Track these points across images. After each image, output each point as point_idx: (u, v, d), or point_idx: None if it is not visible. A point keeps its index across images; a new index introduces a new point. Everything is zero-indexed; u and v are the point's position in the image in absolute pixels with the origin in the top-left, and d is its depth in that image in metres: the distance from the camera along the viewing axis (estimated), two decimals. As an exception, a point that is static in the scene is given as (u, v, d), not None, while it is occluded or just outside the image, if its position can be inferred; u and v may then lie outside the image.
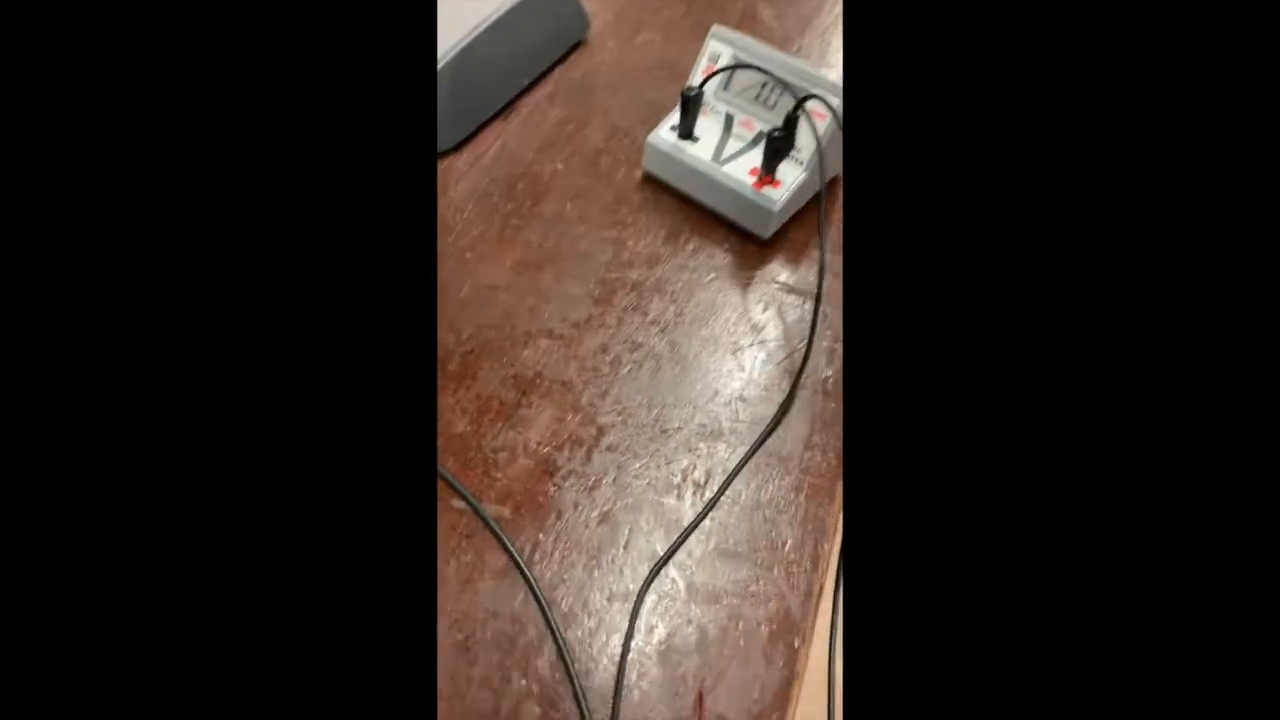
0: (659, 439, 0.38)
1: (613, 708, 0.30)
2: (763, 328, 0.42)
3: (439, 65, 0.48)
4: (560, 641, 0.31)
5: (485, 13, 0.51)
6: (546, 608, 0.32)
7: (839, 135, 0.43)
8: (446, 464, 0.36)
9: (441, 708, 0.30)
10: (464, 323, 0.42)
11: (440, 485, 0.35)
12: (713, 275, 0.44)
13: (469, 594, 0.32)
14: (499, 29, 0.51)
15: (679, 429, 0.38)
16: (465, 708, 0.30)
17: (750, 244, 0.46)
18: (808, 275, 0.44)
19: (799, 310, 0.43)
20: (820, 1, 0.65)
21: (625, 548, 0.34)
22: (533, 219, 0.47)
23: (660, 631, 0.32)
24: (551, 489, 0.36)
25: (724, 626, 0.32)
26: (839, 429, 0.38)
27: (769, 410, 0.39)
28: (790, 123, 0.43)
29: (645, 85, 0.56)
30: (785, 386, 0.40)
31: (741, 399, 0.39)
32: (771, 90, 0.45)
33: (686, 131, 0.47)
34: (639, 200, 0.48)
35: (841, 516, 0.36)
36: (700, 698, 0.30)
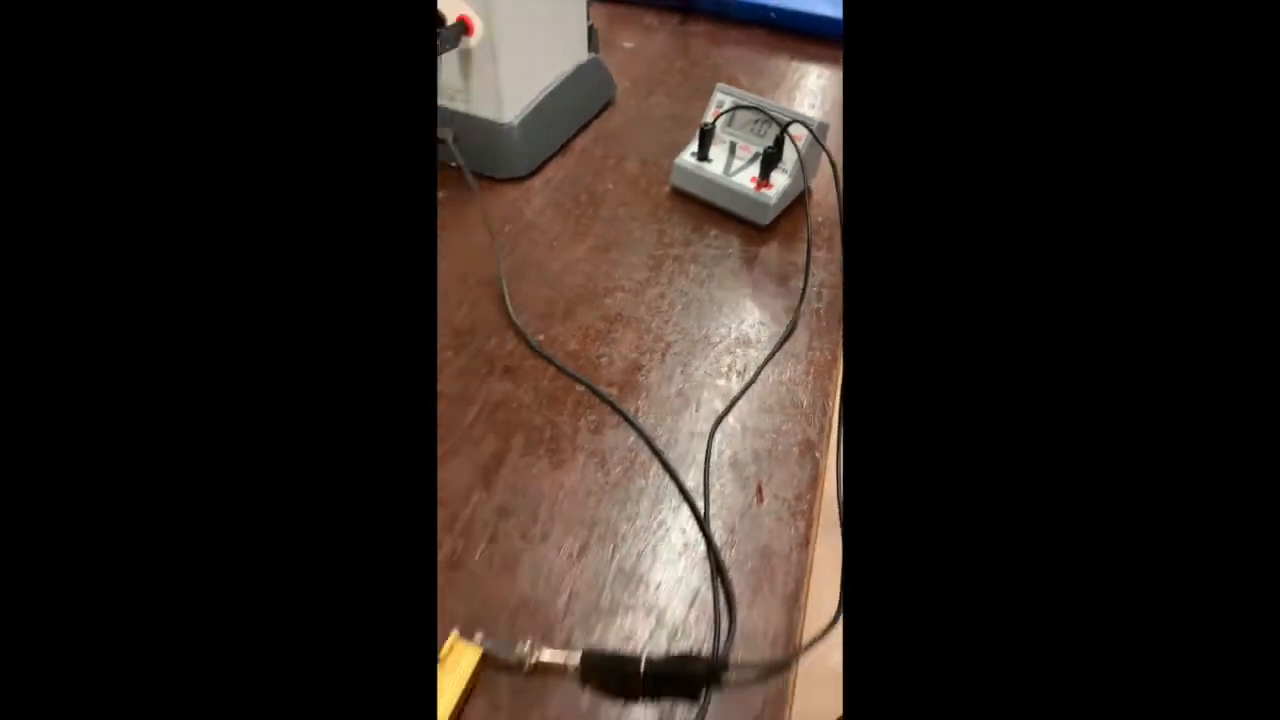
0: (708, 348, 0.54)
1: (704, 491, 0.45)
2: (770, 281, 0.60)
3: (518, 119, 0.67)
4: (664, 458, 0.47)
5: (547, 81, 0.70)
6: (651, 441, 0.48)
7: (815, 149, 0.62)
8: (567, 365, 0.52)
9: (589, 502, 0.45)
10: (561, 285, 0.58)
11: (564, 377, 0.51)
12: (730, 250, 0.62)
13: (597, 439, 0.48)
14: (557, 92, 0.70)
15: (721, 341, 0.55)
16: (609, 499, 0.45)
17: (754, 230, 0.64)
18: (799, 247, 0.63)
19: (794, 269, 0.61)
20: (784, 71, 0.86)
21: (696, 409, 0.50)
22: (596, 220, 0.65)
23: (728, 453, 0.48)
24: (640, 378, 0.52)
25: (769, 449, 0.48)
26: (832, 338, 0.55)
27: (780, 329, 0.56)
28: (779, 143, 0.62)
29: (661, 131, 0.75)
30: (790, 315, 0.57)
31: (761, 323, 0.56)
32: (762, 123, 0.65)
33: (703, 155, 0.65)
34: (670, 205, 0.66)
35: (840, 382, 0.53)
36: (759, 487, 0.46)
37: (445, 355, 0.53)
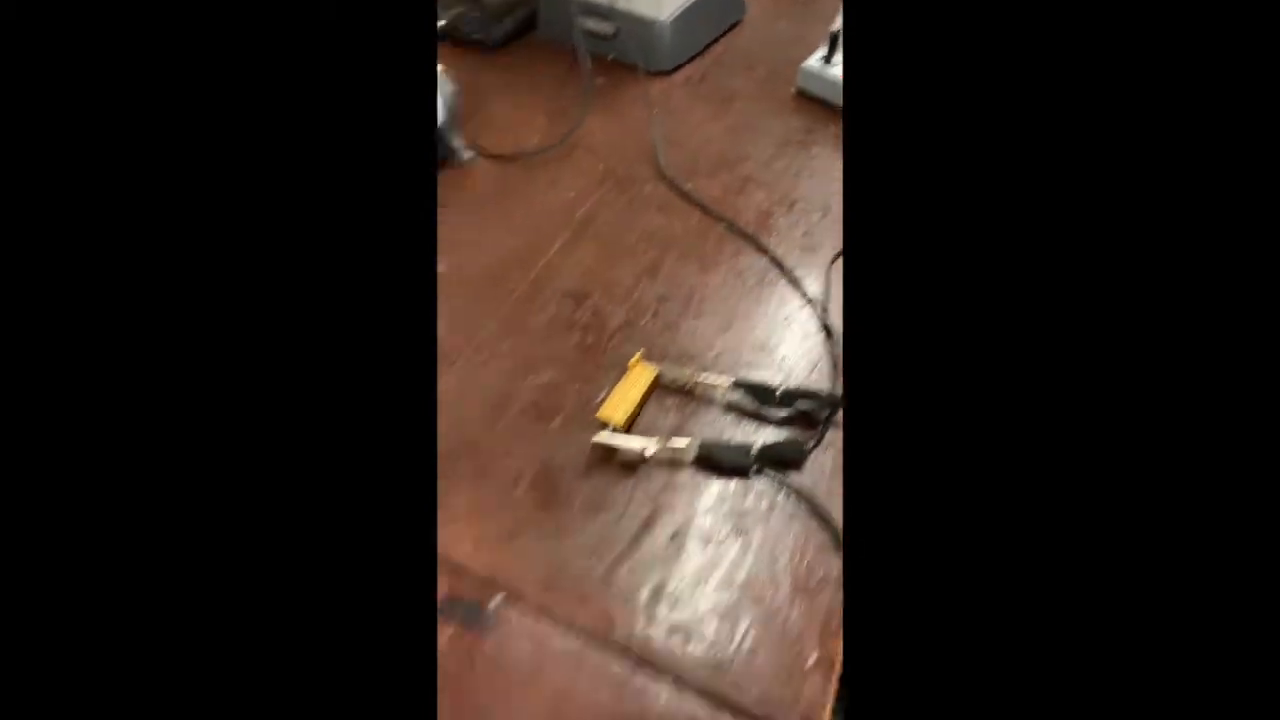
0: (828, 210, 0.64)
1: (823, 299, 0.56)
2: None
3: (670, 19, 0.77)
4: (791, 274, 0.57)
5: (694, -7, 0.81)
6: (779, 261, 0.58)
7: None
8: (711, 208, 0.63)
9: (731, 297, 0.56)
10: (700, 153, 0.69)
11: (708, 218, 0.62)
12: (847, 140, 0.72)
13: (736, 260, 0.59)
14: (699, 3, 0.81)
15: (840, 208, 0.65)
16: (749, 298, 0.56)
17: (868, 127, 0.74)
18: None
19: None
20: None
21: (816, 251, 0.60)
22: (729, 111, 0.75)
23: (840, 285, 0.58)
24: (770, 223, 0.62)
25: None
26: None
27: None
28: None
29: (784, 47, 0.85)
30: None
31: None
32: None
33: (829, 59, 0.75)
34: (795, 105, 0.76)
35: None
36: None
37: (607, 198, 0.64)
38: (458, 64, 0.75)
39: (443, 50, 0.67)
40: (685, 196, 0.64)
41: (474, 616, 0.39)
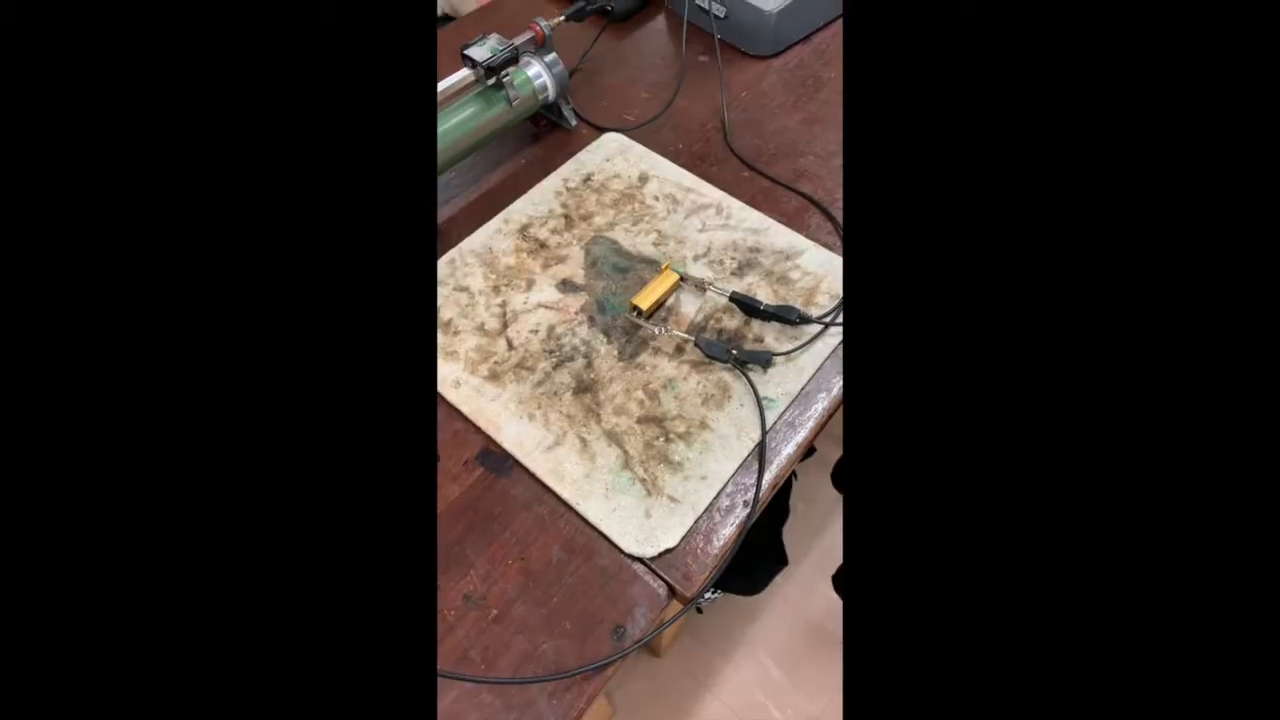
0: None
1: (822, 294, 0.68)
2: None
3: (776, 10, 0.86)
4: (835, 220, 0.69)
5: (808, -18, 0.88)
6: (831, 215, 0.70)
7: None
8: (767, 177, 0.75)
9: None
10: (769, 140, 0.80)
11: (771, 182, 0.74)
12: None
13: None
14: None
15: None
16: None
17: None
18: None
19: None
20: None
21: (837, 244, 0.71)
22: (813, 100, 0.84)
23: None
24: (808, 210, 0.74)
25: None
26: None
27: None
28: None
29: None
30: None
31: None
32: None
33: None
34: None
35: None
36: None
37: (683, 169, 0.77)
38: (585, 35, 0.89)
39: (572, 24, 0.80)
40: (749, 166, 0.76)
41: (497, 465, 0.58)
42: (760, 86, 0.86)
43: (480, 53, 0.69)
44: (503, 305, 0.66)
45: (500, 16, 0.94)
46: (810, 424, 0.59)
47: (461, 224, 0.73)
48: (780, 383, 0.60)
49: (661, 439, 0.57)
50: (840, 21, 0.94)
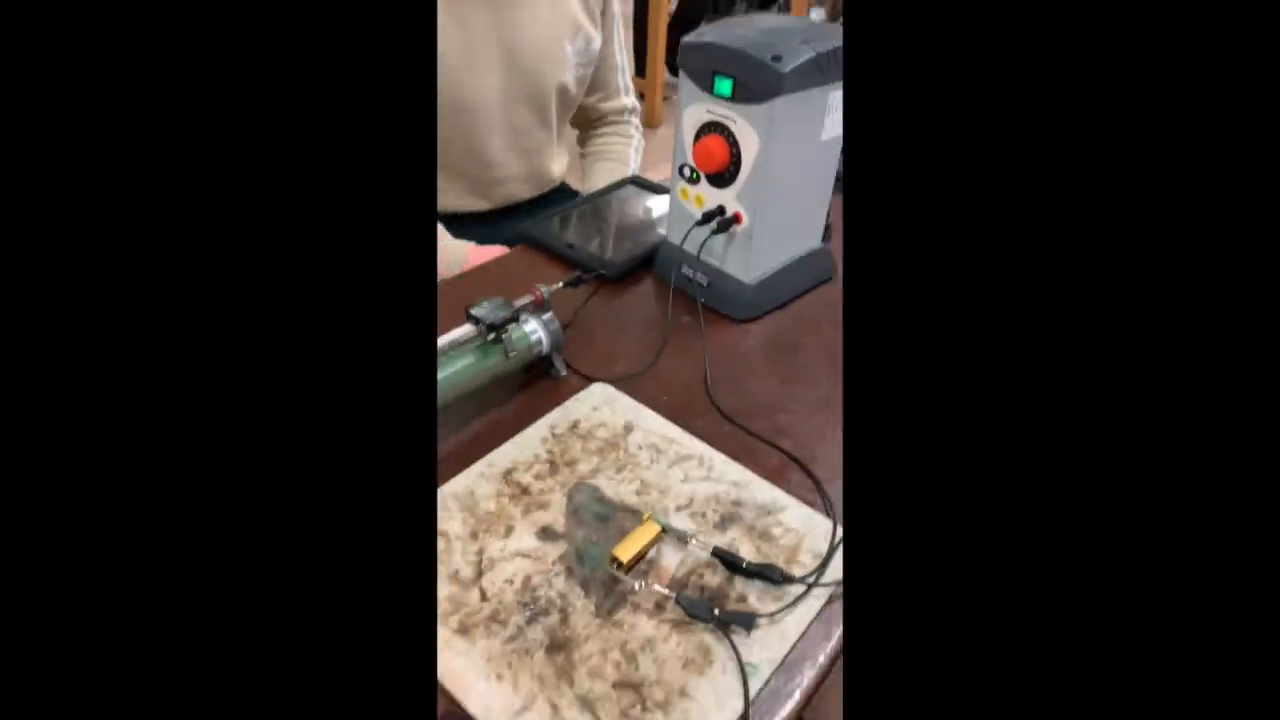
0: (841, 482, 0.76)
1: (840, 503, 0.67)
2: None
3: (755, 282, 0.94)
4: (816, 481, 0.69)
5: (784, 259, 0.98)
6: (809, 471, 0.70)
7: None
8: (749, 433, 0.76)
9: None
10: (749, 399, 0.83)
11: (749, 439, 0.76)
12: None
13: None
14: (789, 268, 0.98)
15: (852, 464, 0.76)
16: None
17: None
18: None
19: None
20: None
21: (826, 497, 0.72)
22: (791, 365, 0.90)
23: (830, 534, 0.69)
24: (789, 472, 0.75)
25: (860, 541, 0.69)
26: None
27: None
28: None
29: (860, 311, 0.99)
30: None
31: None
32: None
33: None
34: (847, 365, 0.90)
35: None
36: (844, 561, 0.67)
37: (667, 420, 0.79)
38: (580, 293, 0.96)
39: (568, 290, 0.88)
40: (729, 419, 0.78)
41: (452, 746, 0.52)
42: (740, 348, 0.91)
43: (483, 312, 0.75)
44: (479, 553, 0.64)
45: (502, 273, 1.02)
46: (796, 696, 0.56)
47: (445, 468, 0.73)
48: (765, 646, 0.58)
49: (638, 707, 0.53)
50: (818, 290, 1.03)
